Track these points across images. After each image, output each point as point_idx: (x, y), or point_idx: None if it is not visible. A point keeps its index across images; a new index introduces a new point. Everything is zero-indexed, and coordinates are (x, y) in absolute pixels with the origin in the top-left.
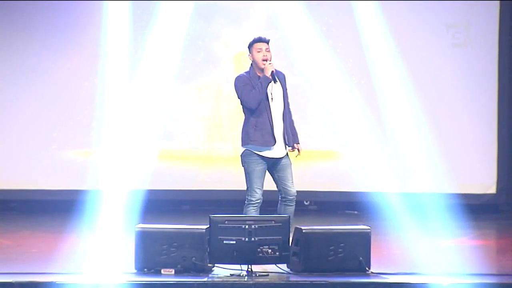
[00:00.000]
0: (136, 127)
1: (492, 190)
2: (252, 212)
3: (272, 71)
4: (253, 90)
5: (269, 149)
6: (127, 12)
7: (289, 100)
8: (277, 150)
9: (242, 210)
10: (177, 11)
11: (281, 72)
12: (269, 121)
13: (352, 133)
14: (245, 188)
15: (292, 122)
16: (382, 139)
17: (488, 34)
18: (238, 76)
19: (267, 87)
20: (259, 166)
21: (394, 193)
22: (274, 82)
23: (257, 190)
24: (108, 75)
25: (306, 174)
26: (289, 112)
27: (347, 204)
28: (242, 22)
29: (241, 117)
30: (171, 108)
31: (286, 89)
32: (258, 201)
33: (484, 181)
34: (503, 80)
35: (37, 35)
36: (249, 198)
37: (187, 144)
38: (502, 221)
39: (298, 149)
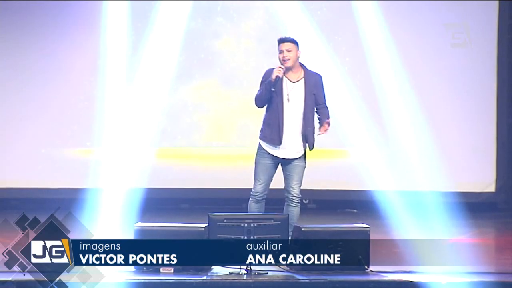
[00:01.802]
0: (136, 126)
1: (491, 188)
2: (253, 205)
3: (278, 76)
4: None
5: (276, 148)
6: (126, 12)
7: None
8: (286, 151)
9: (241, 209)
10: (176, 10)
11: (316, 75)
12: (279, 121)
13: (351, 132)
14: (244, 186)
15: (326, 115)
16: (381, 137)
17: (487, 34)
18: (267, 70)
19: (269, 90)
20: (264, 160)
21: (393, 191)
22: (273, 88)
23: (257, 183)
24: (108, 74)
25: (305, 173)
26: (326, 109)
27: (346, 203)
28: (242, 21)
29: (240, 116)
30: (170, 107)
31: (320, 92)
32: (258, 194)
33: (483, 179)
34: (502, 79)
35: (37, 35)
36: (251, 189)
37: (186, 142)
38: (501, 219)
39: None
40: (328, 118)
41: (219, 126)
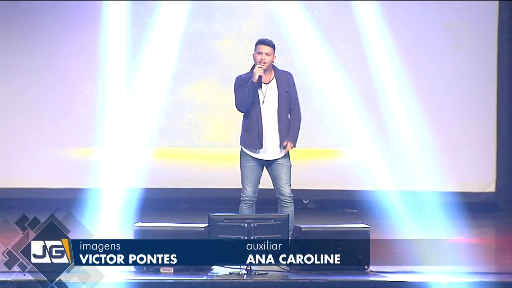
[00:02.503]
0: (136, 126)
1: (491, 188)
2: (244, 209)
3: (260, 76)
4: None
5: (258, 151)
6: (126, 12)
7: (297, 101)
8: (268, 153)
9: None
10: (176, 10)
11: (286, 73)
12: (258, 124)
13: (352, 132)
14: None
15: (295, 121)
16: (382, 137)
17: (487, 34)
18: (237, 77)
19: (254, 92)
20: (248, 163)
21: (393, 191)
22: (259, 88)
23: (247, 187)
24: (108, 75)
25: (305, 173)
26: (297, 111)
27: (346, 203)
28: (242, 21)
29: (240, 116)
30: (170, 107)
31: (292, 90)
32: (249, 198)
33: (483, 179)
34: (502, 79)
35: (38, 35)
36: (241, 194)
37: (186, 142)
38: (501, 219)
39: (286, 146)
40: (295, 130)
41: (219, 126)
